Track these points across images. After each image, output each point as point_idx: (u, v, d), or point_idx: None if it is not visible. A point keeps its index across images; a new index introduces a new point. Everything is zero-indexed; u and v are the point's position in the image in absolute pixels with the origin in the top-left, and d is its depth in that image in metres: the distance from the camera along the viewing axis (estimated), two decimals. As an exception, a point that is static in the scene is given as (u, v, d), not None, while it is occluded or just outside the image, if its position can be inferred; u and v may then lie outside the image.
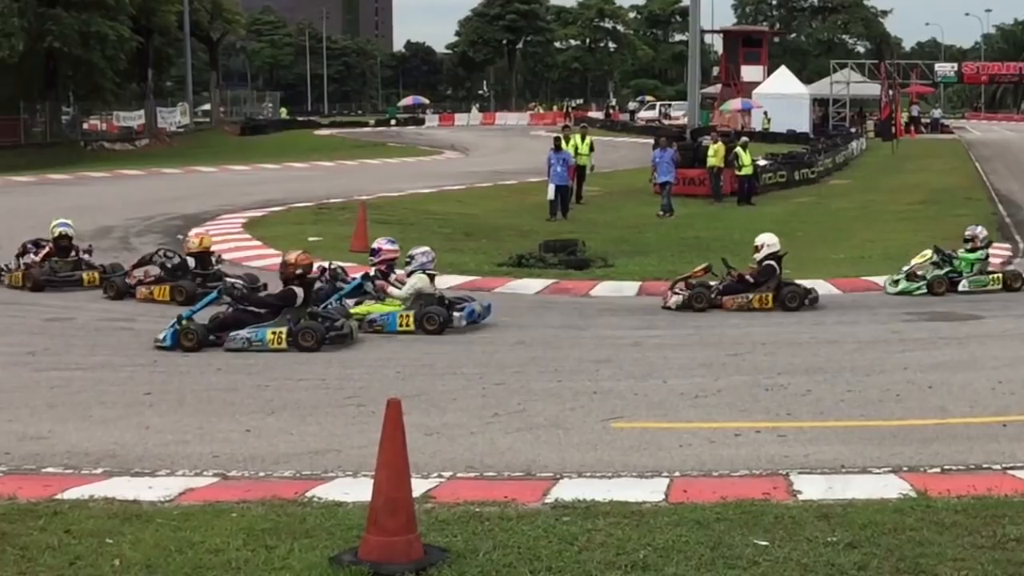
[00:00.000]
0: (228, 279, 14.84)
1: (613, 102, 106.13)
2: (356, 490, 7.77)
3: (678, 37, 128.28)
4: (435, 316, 14.46)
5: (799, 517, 7.26)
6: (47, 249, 18.38)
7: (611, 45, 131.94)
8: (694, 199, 33.38)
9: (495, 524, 7.13)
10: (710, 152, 34.10)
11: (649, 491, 7.93)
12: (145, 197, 32.96)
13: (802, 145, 50.31)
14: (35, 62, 55.85)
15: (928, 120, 78.43)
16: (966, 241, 17.99)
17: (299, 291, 14.01)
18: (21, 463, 8.92)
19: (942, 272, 17.59)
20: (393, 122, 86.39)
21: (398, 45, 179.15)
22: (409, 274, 15.15)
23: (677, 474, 8.45)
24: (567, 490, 7.93)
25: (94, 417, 10.31)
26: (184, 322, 13.51)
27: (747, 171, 34.00)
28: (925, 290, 17.36)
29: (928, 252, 17.82)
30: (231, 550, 6.69)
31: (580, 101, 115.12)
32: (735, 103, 67.11)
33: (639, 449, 9.18)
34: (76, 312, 15.93)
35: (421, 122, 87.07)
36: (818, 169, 42.29)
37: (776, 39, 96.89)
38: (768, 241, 16.82)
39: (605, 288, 18.31)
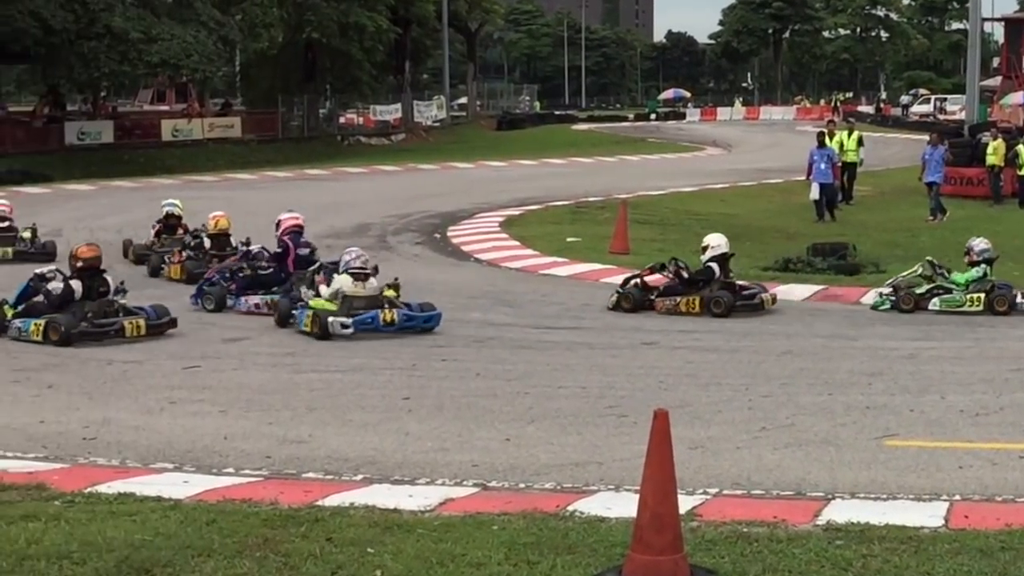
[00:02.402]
0: (38, 270, 14.96)
1: (884, 95, 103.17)
2: (619, 505, 7.56)
3: (955, 25, 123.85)
4: (317, 318, 14.17)
5: (1092, 548, 6.72)
6: (157, 227, 20.30)
7: (883, 34, 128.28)
8: (972, 200, 31.93)
9: (764, 546, 6.82)
10: (989, 150, 32.57)
11: (927, 515, 7.50)
12: (401, 194, 33.64)
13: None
14: (293, 54, 57.22)
15: None
16: (966, 255, 16.26)
17: (76, 285, 14.04)
18: (282, 467, 9.04)
19: (923, 287, 16.01)
20: (653, 116, 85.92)
21: (659, 35, 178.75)
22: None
23: (957, 498, 7.99)
24: (840, 511, 7.56)
25: (354, 422, 10.38)
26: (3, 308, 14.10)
27: (1030, 171, 32.38)
28: (888, 305, 15.98)
29: (918, 265, 16.42)
30: (492, 564, 6.56)
31: (849, 94, 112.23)
32: (1016, 97, 64.02)
33: (915, 470, 8.74)
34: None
35: (682, 116, 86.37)
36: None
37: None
38: (714, 243, 16.14)
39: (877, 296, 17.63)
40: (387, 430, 10.01)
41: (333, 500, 7.87)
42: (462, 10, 73.86)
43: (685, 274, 16.02)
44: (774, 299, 16.19)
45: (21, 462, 9.11)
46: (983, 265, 16.06)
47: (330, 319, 14.06)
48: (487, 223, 26.49)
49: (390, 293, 14.75)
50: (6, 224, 21.66)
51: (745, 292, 16.01)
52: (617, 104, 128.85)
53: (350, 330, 14.04)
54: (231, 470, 8.94)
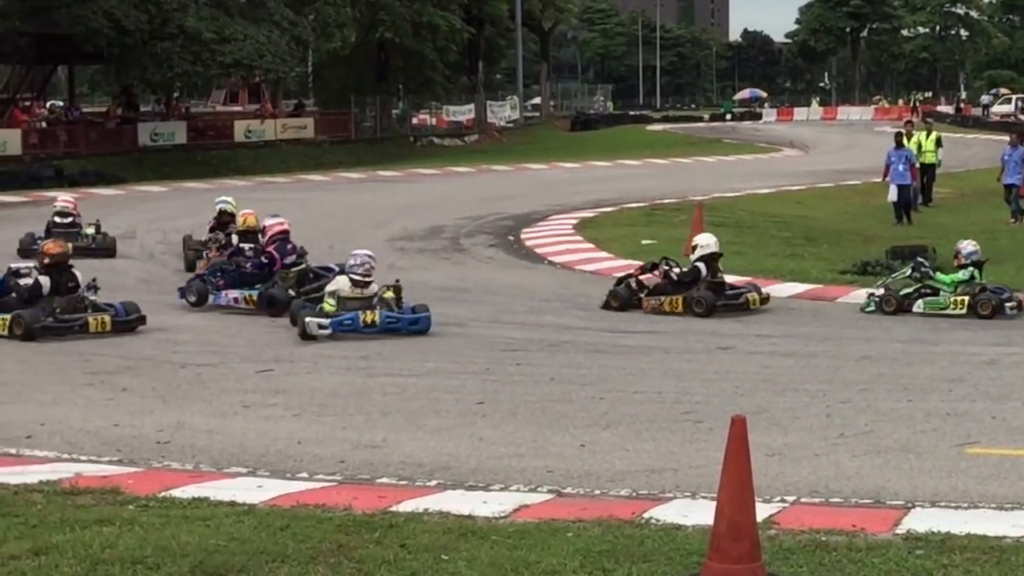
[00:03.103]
0: (12, 266, 15.24)
1: (964, 95, 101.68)
2: (695, 512, 7.47)
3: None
4: (298, 320, 14.31)
5: None
6: (212, 224, 20.41)
7: (963, 33, 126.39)
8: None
9: (843, 555, 6.71)
10: (1070, 151, 32.00)
11: (1009, 525, 7.33)
12: (474, 195, 33.60)
13: None
14: (366, 54, 57.05)
15: None
16: (955, 257, 16.00)
17: (44, 281, 14.39)
18: (355, 472, 9.01)
19: (911, 289, 15.80)
20: (728, 117, 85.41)
21: (734, 34, 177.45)
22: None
23: (1040, 507, 7.78)
24: (920, 520, 7.41)
25: (427, 426, 10.34)
26: None
27: (1111, 172, 31.68)
28: (873, 306, 15.77)
29: (907, 267, 16.21)
30: (567, 572, 6.49)
31: (928, 94, 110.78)
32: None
33: (997, 478, 8.56)
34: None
35: (758, 117, 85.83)
36: None
37: None
38: (702, 242, 16.15)
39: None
40: (461, 435, 9.97)
41: (407, 506, 7.83)
42: (535, 9, 73.54)
43: (673, 274, 16.08)
44: (764, 299, 16.14)
45: (95, 466, 9.16)
46: (970, 268, 15.90)
47: (307, 319, 14.22)
48: (561, 225, 26.39)
49: (389, 295, 14.78)
50: (69, 220, 21.85)
51: (729, 292, 16.02)
52: (692, 104, 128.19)
53: (328, 331, 14.16)
54: (305, 475, 8.91)
